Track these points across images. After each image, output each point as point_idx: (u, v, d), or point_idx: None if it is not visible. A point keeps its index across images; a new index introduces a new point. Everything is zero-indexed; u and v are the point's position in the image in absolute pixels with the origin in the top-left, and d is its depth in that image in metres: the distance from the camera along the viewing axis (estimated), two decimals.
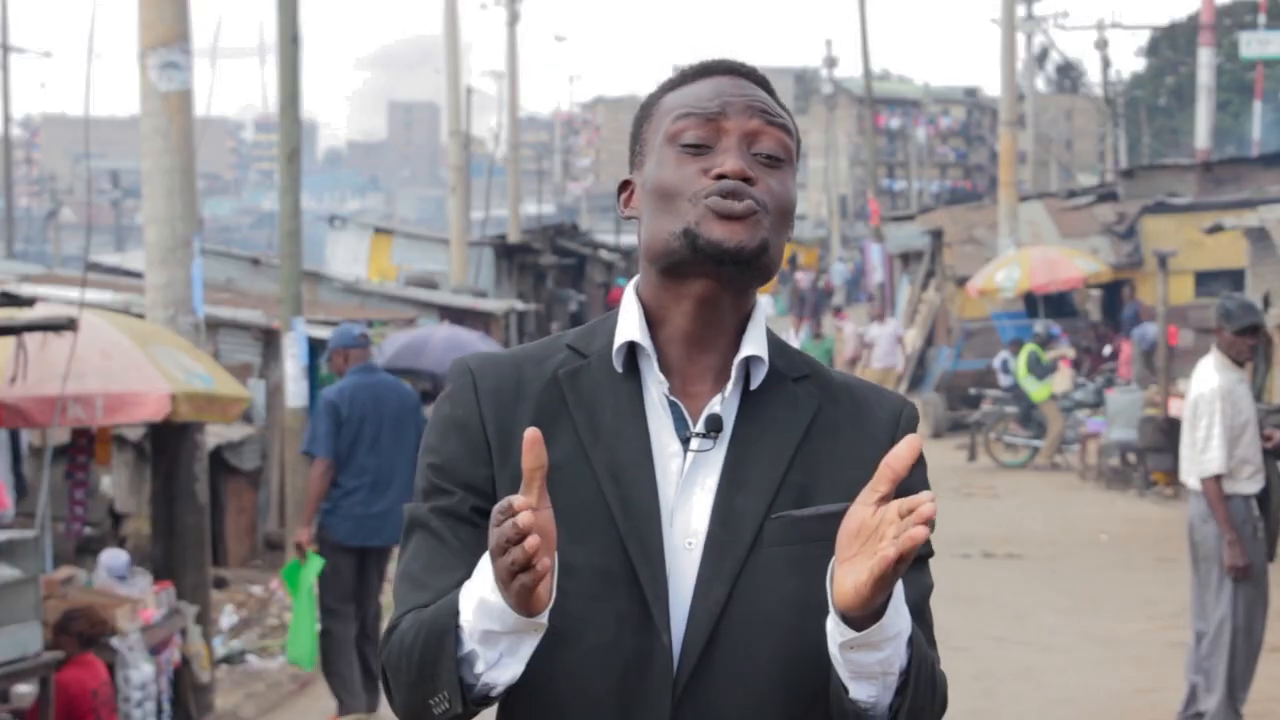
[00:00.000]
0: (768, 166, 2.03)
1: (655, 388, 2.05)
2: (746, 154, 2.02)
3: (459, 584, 1.95)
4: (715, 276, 2.01)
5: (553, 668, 1.96)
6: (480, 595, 1.86)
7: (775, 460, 2.03)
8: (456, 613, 1.89)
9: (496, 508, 1.79)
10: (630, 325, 2.06)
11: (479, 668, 1.89)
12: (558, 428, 2.03)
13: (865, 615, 1.83)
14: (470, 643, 1.88)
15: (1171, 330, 19.91)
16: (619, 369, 2.05)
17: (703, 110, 2.03)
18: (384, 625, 2.13)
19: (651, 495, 2.00)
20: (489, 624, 1.86)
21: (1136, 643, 10.26)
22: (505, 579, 1.79)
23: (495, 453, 2.05)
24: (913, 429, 2.11)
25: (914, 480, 2.07)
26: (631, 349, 2.06)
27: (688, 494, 2.02)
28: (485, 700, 1.93)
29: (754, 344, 2.06)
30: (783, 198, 2.03)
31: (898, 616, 1.86)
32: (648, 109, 2.12)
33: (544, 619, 1.85)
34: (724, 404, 2.04)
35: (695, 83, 2.09)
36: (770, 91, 2.10)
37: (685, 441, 2.03)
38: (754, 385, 2.06)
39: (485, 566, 1.86)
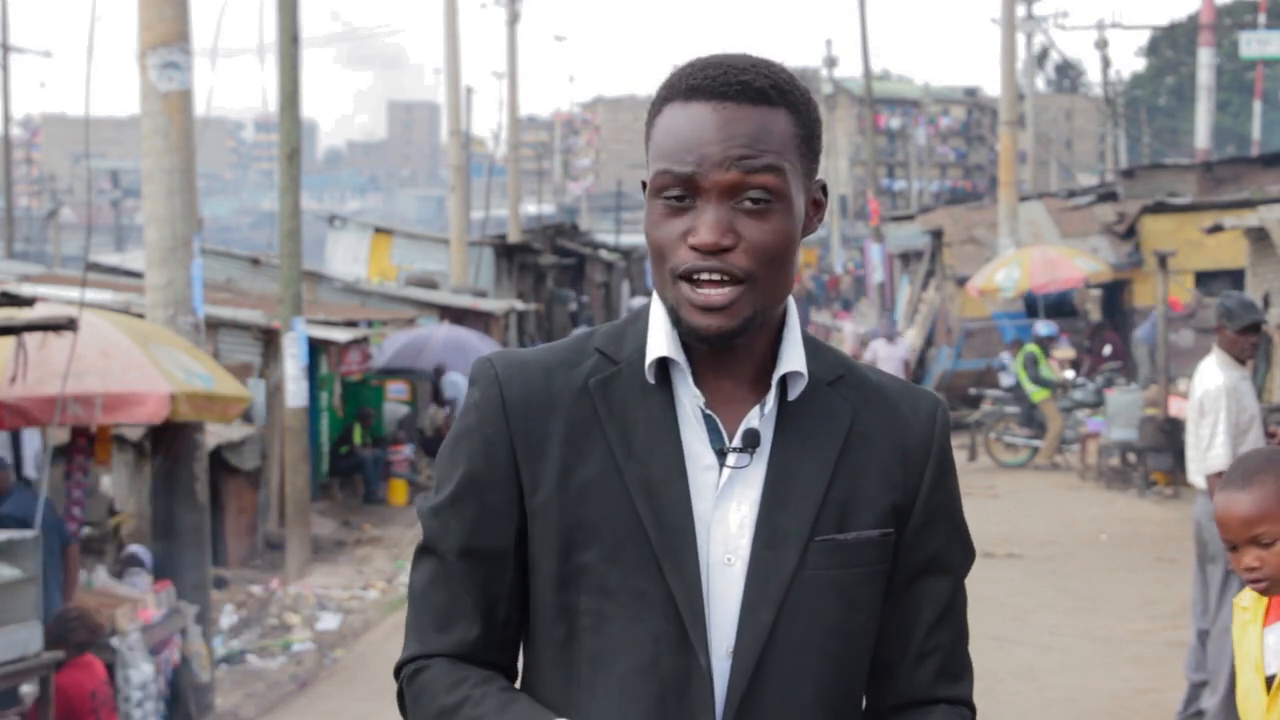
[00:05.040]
0: (754, 213, 1.96)
1: (689, 400, 2.01)
2: (726, 210, 1.95)
3: (477, 640, 2.00)
4: None
5: (592, 691, 1.96)
6: None
7: (816, 476, 2.00)
8: None
9: None
10: (660, 338, 2.02)
11: None
12: (590, 442, 2.00)
13: None
14: None
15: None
16: (651, 380, 2.02)
17: (679, 170, 1.96)
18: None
19: (686, 511, 1.97)
20: None
21: (1136, 643, 10.26)
22: None
23: (524, 473, 2.01)
24: (948, 433, 2.10)
25: (944, 496, 2.08)
26: (663, 359, 2.03)
27: (724, 508, 1.99)
28: None
29: (791, 358, 2.03)
30: (770, 246, 1.96)
31: None
32: (651, 118, 2.05)
33: None
34: (761, 419, 2.01)
35: (684, 107, 1.98)
36: (768, 99, 1.98)
37: (719, 453, 2.00)
38: (791, 397, 2.03)
39: None
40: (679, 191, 1.97)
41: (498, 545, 2.01)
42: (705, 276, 1.95)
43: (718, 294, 1.95)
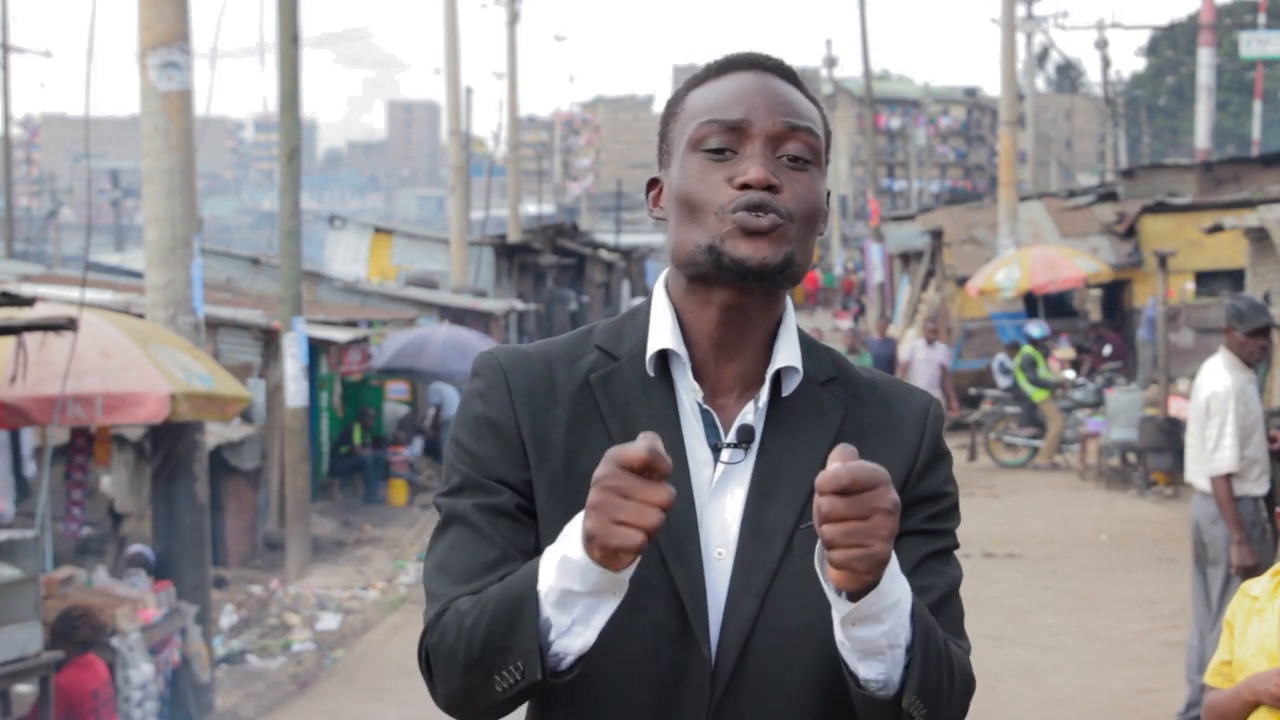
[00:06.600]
0: (794, 169, 2.00)
1: (687, 395, 2.03)
2: (771, 159, 1.99)
3: (504, 579, 1.93)
4: (740, 288, 1.99)
5: (591, 677, 1.95)
6: (563, 553, 1.82)
7: (804, 472, 2.00)
8: (535, 576, 1.85)
9: (620, 456, 1.75)
10: (663, 331, 2.03)
11: (551, 635, 1.85)
12: (591, 433, 2.01)
13: (861, 588, 1.81)
14: (545, 608, 1.85)
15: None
16: (651, 374, 2.03)
17: (725, 117, 2.00)
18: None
19: (688, 504, 1.98)
20: (570, 583, 1.82)
21: (1136, 643, 10.26)
22: (606, 528, 1.75)
23: (531, 455, 2.02)
24: (940, 426, 2.11)
25: (937, 479, 2.08)
26: (664, 353, 2.04)
27: (717, 504, 2.00)
28: (555, 675, 1.87)
29: (787, 354, 2.04)
30: (810, 201, 2.00)
31: (894, 585, 1.83)
32: (673, 107, 2.09)
33: (626, 576, 1.81)
34: (755, 414, 2.03)
35: (720, 79, 2.05)
36: (798, 83, 2.07)
37: (714, 449, 2.02)
38: (785, 393, 2.04)
39: (571, 529, 1.82)
40: (721, 143, 2.00)
41: (514, 509, 2.01)
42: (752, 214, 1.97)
43: (767, 220, 1.96)
